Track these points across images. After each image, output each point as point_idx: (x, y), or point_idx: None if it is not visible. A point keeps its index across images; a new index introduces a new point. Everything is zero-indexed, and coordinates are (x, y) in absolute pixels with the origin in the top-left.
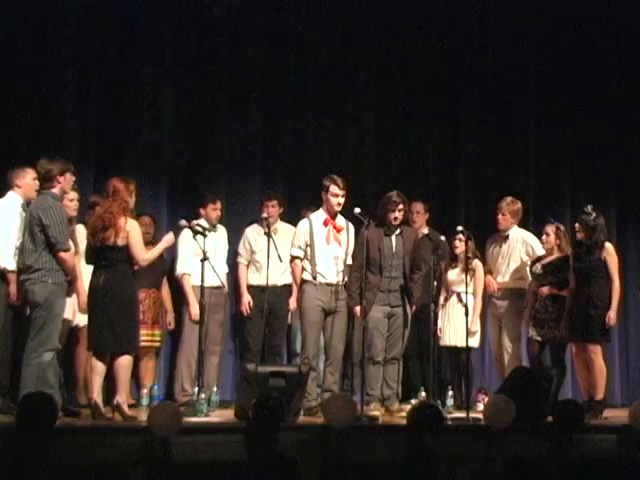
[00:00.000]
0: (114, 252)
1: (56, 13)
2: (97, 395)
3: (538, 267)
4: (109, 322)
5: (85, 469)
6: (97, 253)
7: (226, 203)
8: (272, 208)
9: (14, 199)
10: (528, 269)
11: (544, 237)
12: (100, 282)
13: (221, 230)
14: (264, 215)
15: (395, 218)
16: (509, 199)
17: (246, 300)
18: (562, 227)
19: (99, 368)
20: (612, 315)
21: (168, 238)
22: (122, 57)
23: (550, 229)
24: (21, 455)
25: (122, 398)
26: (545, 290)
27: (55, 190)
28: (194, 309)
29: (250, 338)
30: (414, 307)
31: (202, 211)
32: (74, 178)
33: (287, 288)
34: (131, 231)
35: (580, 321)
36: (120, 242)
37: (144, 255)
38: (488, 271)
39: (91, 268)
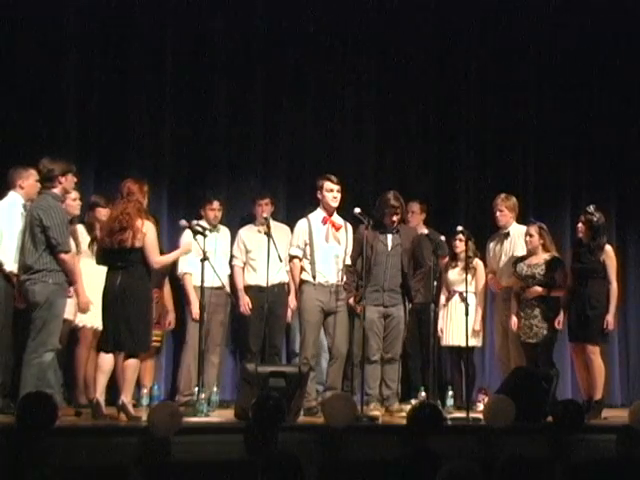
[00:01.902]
0: (132, 254)
1: (57, 13)
2: (100, 394)
3: (524, 267)
4: (127, 322)
5: (85, 469)
6: (113, 255)
7: (226, 203)
8: (265, 206)
9: (15, 200)
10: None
11: (528, 238)
12: (117, 283)
13: (224, 231)
14: (264, 215)
15: (393, 222)
16: (503, 195)
17: (245, 301)
18: (544, 226)
19: (106, 367)
20: (610, 319)
21: (186, 246)
22: (122, 57)
23: (533, 229)
24: (21, 455)
25: (127, 398)
26: (534, 291)
27: (56, 190)
28: (195, 308)
29: (250, 338)
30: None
31: (202, 211)
32: (75, 179)
33: (283, 286)
34: (148, 233)
35: (578, 322)
36: (138, 244)
37: (157, 258)
38: (491, 271)
39: (91, 267)
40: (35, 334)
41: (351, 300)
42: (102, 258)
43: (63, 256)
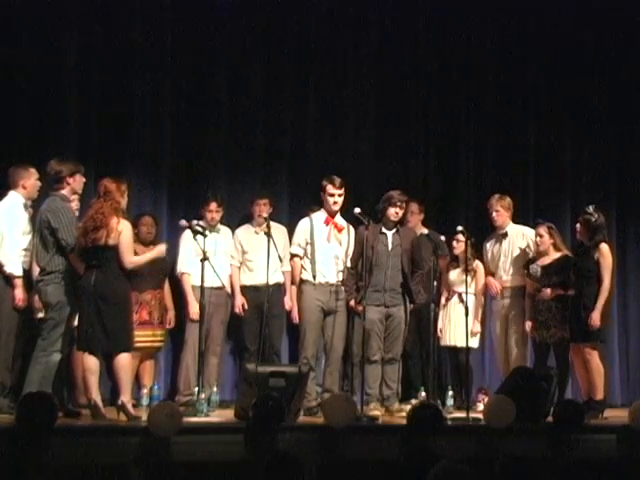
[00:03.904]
0: (106, 252)
1: (57, 14)
2: (96, 395)
3: (538, 269)
4: (101, 322)
5: (85, 469)
6: (87, 253)
7: (226, 204)
8: (263, 207)
9: (16, 201)
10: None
11: (538, 239)
12: (91, 282)
13: (224, 231)
14: (264, 214)
15: (396, 213)
16: (497, 195)
17: (240, 302)
18: (553, 226)
19: (93, 367)
20: (595, 316)
21: (159, 249)
22: (122, 57)
23: (543, 229)
24: (21, 455)
25: (126, 398)
26: (549, 293)
27: (64, 191)
28: (193, 308)
29: (247, 338)
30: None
31: (201, 212)
32: (84, 179)
33: (279, 287)
34: (123, 232)
35: (574, 322)
36: (112, 242)
37: (131, 258)
38: (489, 273)
39: None
40: (46, 334)
41: (352, 302)
42: (78, 257)
43: (73, 256)
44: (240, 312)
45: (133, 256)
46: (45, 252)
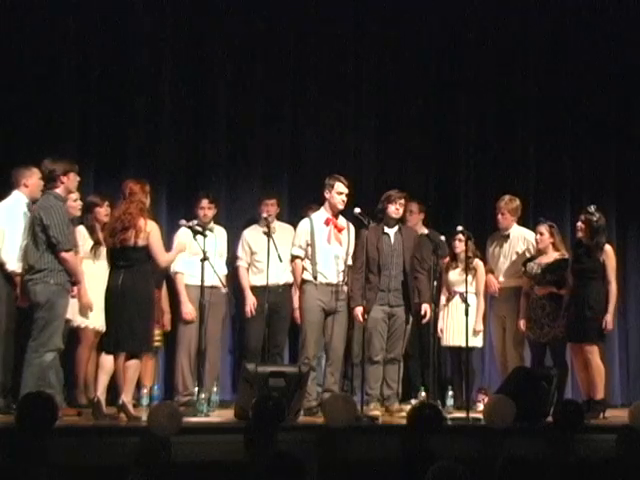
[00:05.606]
0: (135, 252)
1: (57, 13)
2: (101, 394)
3: (534, 267)
4: (128, 322)
5: (85, 469)
6: (115, 254)
7: (227, 204)
8: (271, 207)
9: (19, 199)
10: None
11: (538, 237)
12: (119, 282)
13: (219, 231)
14: (264, 215)
15: (397, 210)
16: (507, 198)
17: (250, 301)
18: (554, 225)
19: (108, 367)
20: (609, 319)
21: (182, 243)
22: (122, 57)
23: (544, 228)
24: (21, 455)
25: (127, 398)
26: (541, 290)
27: (58, 190)
28: (185, 308)
29: (252, 338)
30: (425, 305)
31: (195, 210)
32: (79, 178)
33: (289, 287)
34: (152, 232)
35: (576, 322)
36: (140, 242)
37: (165, 257)
38: (489, 271)
39: (91, 269)
40: (37, 334)
41: (357, 311)
42: (108, 258)
43: (64, 255)
44: (252, 311)
45: (165, 254)
46: (35, 249)
